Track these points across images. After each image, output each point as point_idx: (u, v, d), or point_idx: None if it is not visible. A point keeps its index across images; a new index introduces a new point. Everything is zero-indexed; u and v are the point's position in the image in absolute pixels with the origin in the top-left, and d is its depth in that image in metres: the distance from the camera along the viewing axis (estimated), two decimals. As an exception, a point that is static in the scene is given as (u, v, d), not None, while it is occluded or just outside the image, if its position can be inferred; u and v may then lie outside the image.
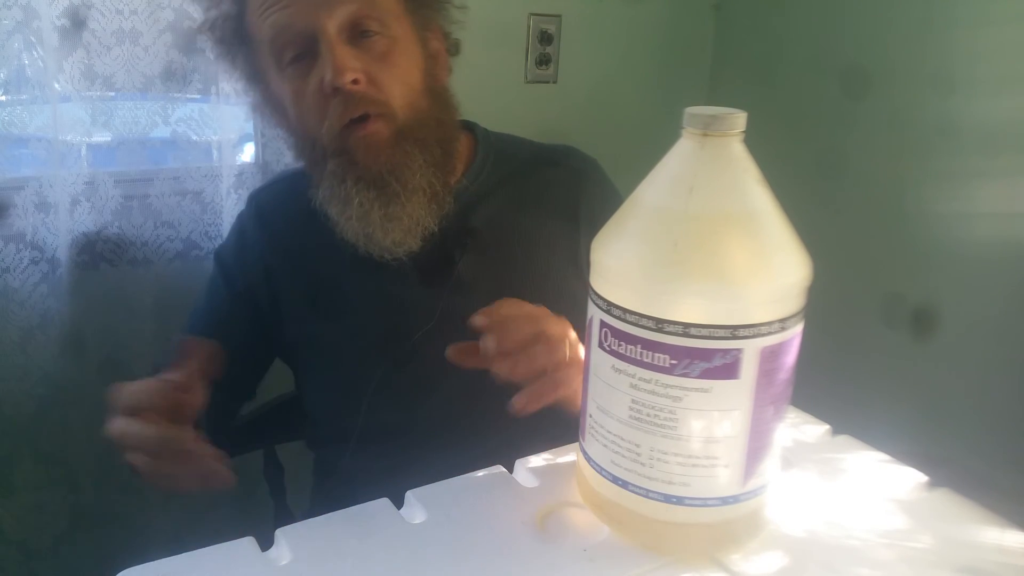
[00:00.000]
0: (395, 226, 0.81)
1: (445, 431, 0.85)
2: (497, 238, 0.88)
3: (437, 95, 0.86)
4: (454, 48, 0.92)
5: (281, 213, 0.93)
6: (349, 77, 0.77)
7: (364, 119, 0.79)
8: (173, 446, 0.61)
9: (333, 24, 0.77)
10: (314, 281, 0.90)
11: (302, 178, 0.90)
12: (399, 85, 0.80)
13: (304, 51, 0.79)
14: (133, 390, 0.64)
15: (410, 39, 0.83)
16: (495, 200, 0.90)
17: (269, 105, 0.88)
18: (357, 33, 0.79)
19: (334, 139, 0.80)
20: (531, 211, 0.90)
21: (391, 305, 0.87)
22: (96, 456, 1.28)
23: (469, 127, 0.96)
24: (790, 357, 0.47)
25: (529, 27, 1.59)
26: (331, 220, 0.83)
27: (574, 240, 0.88)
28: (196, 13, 1.19)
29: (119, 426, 0.63)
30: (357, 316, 0.88)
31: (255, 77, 0.87)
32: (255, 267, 0.92)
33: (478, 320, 0.65)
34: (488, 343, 0.64)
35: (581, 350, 0.66)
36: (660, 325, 0.44)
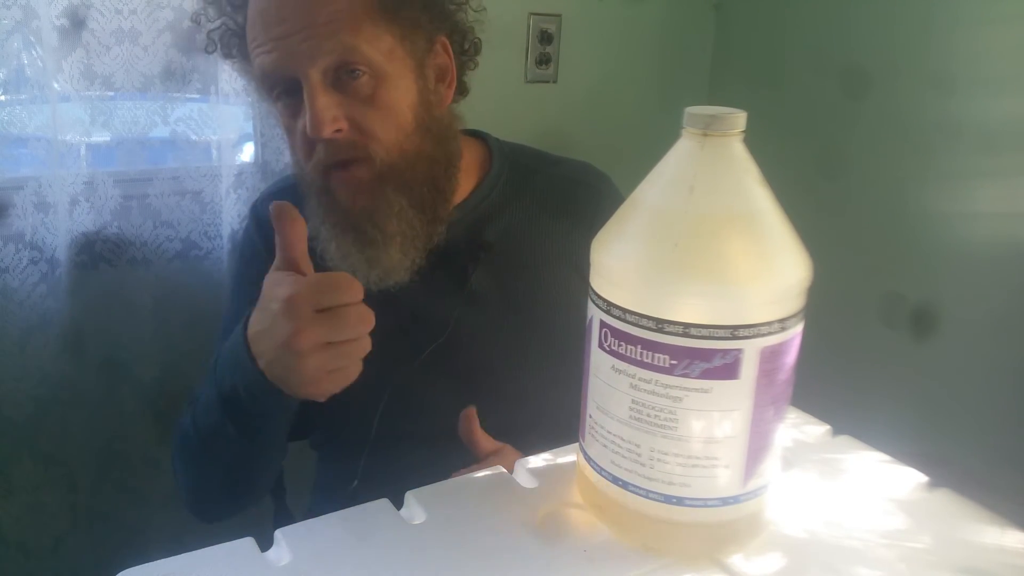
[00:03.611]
0: (375, 268, 0.81)
1: (455, 438, 0.85)
2: (510, 252, 0.88)
3: (430, 130, 0.82)
4: (474, 48, 0.89)
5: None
6: (329, 129, 0.75)
7: (347, 163, 0.78)
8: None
9: (316, 71, 0.75)
10: None
11: None
12: (385, 127, 0.78)
13: (292, 89, 0.77)
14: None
15: (403, 72, 0.80)
16: (509, 214, 0.89)
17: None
18: (344, 73, 0.76)
19: (318, 176, 0.80)
20: (545, 226, 0.89)
21: (403, 318, 0.87)
22: (96, 456, 1.28)
23: (481, 137, 0.95)
24: (790, 357, 0.47)
25: (529, 27, 1.59)
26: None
27: (588, 257, 0.88)
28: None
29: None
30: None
31: (261, 92, 0.86)
32: (263, 274, 0.91)
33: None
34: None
35: None
36: (660, 325, 0.44)
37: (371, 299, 0.87)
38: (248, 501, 0.89)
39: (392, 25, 0.78)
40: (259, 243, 0.93)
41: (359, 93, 0.77)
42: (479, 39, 0.90)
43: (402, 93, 0.79)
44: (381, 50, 0.77)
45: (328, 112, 0.75)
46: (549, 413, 0.83)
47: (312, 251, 0.83)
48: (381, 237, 0.80)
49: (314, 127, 0.75)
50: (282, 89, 0.78)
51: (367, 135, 0.77)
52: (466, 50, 0.89)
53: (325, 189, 0.80)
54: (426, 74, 0.82)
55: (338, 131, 0.76)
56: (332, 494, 0.94)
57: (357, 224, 0.80)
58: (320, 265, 0.83)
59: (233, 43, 0.83)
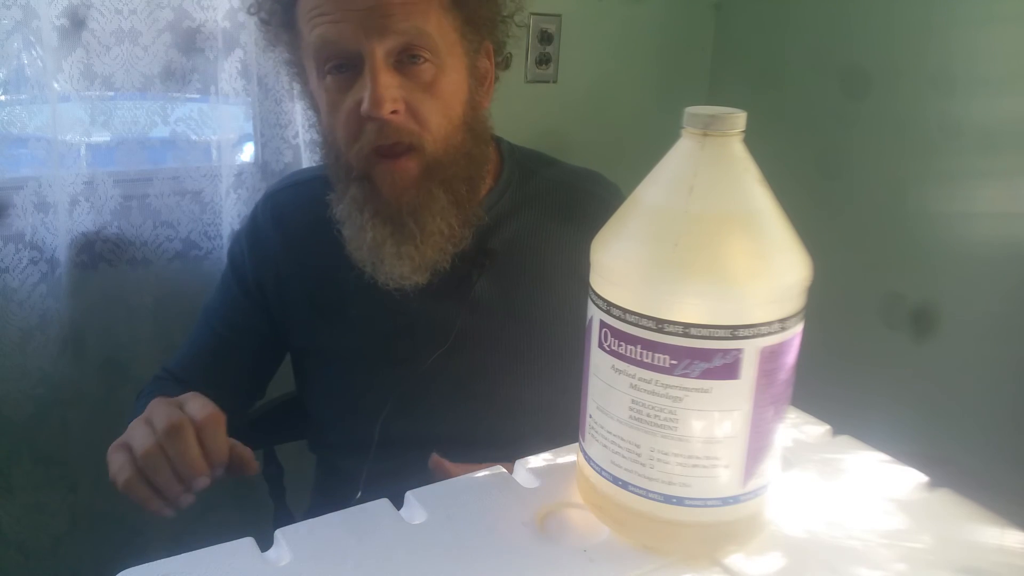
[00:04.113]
0: (405, 263, 0.80)
1: (457, 443, 0.85)
2: (515, 260, 0.87)
3: (473, 128, 0.83)
4: (504, 63, 0.90)
5: (298, 219, 0.91)
6: (389, 108, 0.74)
7: (395, 149, 0.77)
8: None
9: (382, 49, 0.74)
10: (327, 294, 0.88)
11: (320, 184, 0.88)
12: (438, 117, 0.78)
13: (347, 64, 0.76)
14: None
15: (460, 67, 0.80)
16: (516, 221, 0.89)
17: (306, 95, 0.86)
18: (405, 57, 0.76)
19: (361, 161, 0.78)
20: (552, 235, 0.89)
21: (406, 324, 0.86)
22: (96, 456, 1.28)
23: (494, 141, 0.94)
24: (790, 357, 0.47)
25: (529, 27, 1.59)
26: (343, 239, 0.82)
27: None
28: (196, 13, 1.19)
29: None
30: (369, 331, 0.88)
31: (294, 65, 0.85)
32: (267, 265, 0.91)
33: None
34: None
35: None
36: (660, 325, 0.44)
37: (376, 305, 0.87)
38: None
39: (457, 20, 0.79)
40: (246, 248, 0.93)
41: (419, 79, 0.77)
42: (511, 54, 0.90)
43: (456, 87, 0.80)
44: (446, 41, 0.78)
45: (390, 91, 0.74)
46: (551, 420, 0.83)
47: (337, 234, 0.83)
48: (421, 235, 0.79)
49: (374, 103, 0.74)
50: (336, 64, 0.77)
51: (421, 122, 0.77)
52: (498, 63, 0.89)
53: (367, 175, 0.79)
54: (476, 72, 0.83)
55: (395, 112, 0.75)
56: (333, 498, 0.93)
57: (398, 218, 0.79)
58: (344, 247, 0.83)
59: (275, 9, 0.82)
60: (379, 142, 0.76)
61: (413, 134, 0.77)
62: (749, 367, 0.45)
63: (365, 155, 0.78)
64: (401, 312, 0.86)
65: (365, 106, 0.74)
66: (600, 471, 0.50)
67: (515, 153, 0.94)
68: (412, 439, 0.86)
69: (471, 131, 0.83)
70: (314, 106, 0.85)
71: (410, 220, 0.79)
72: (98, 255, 1.21)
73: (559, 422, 0.77)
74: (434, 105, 0.78)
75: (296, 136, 1.30)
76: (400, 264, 0.80)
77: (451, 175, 0.80)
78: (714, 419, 0.45)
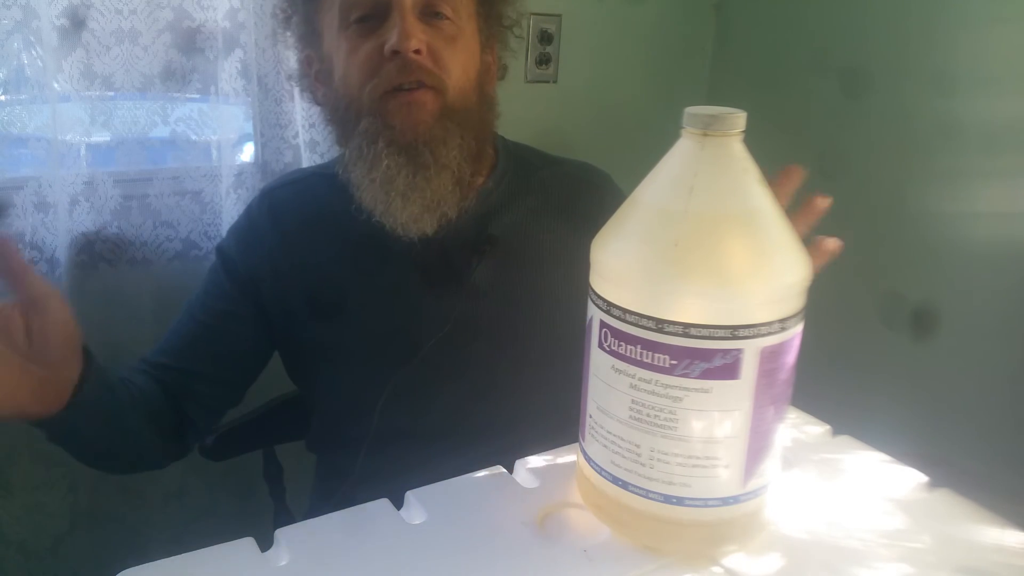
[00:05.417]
0: (416, 198, 0.81)
1: (453, 434, 0.85)
2: (514, 247, 0.88)
3: (484, 96, 0.87)
4: (502, 72, 0.94)
5: (295, 215, 0.92)
6: (414, 45, 0.78)
7: (413, 88, 0.80)
8: None
9: None
10: (325, 289, 0.89)
11: (318, 180, 0.90)
12: (457, 68, 0.82)
13: (372, 15, 0.80)
14: None
15: (474, 40, 0.85)
16: (513, 209, 0.90)
17: (312, 69, 0.89)
18: (430, 12, 0.81)
19: (376, 100, 0.80)
20: (549, 222, 0.90)
21: (403, 313, 0.87)
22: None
23: None
24: (790, 357, 0.47)
25: (529, 27, 1.59)
26: (352, 185, 0.83)
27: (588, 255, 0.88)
28: (196, 13, 1.19)
29: None
30: (368, 324, 0.88)
31: (307, 37, 0.88)
32: (262, 262, 0.91)
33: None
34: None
35: None
36: (660, 325, 0.44)
37: (375, 298, 0.88)
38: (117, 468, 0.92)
39: (475, 3, 0.85)
40: (240, 244, 0.94)
41: (442, 32, 0.81)
42: (507, 66, 0.95)
43: (472, 52, 0.85)
44: (468, 10, 0.84)
45: (416, 31, 0.79)
46: (548, 409, 0.84)
47: (333, 229, 0.85)
48: (434, 165, 0.81)
49: (401, 38, 0.77)
50: (361, 14, 0.81)
51: (442, 66, 0.81)
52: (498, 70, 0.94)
53: (380, 112, 0.81)
54: (484, 59, 0.88)
55: (417, 52, 0.79)
56: (331, 496, 0.94)
57: (413, 148, 0.80)
58: (341, 243, 0.85)
59: None
60: (399, 80, 0.79)
61: (433, 75, 0.80)
62: (749, 367, 0.45)
63: (380, 93, 0.80)
64: (400, 303, 0.86)
65: (393, 42, 0.78)
66: (600, 471, 0.50)
67: (508, 145, 0.96)
68: (409, 428, 0.86)
69: (483, 97, 0.87)
70: (321, 72, 0.87)
71: (426, 150, 0.81)
72: (98, 255, 1.21)
73: (557, 411, 0.77)
74: (454, 56, 0.82)
75: (296, 136, 1.30)
76: (412, 199, 0.81)
77: (465, 123, 0.83)
78: (714, 419, 0.45)
